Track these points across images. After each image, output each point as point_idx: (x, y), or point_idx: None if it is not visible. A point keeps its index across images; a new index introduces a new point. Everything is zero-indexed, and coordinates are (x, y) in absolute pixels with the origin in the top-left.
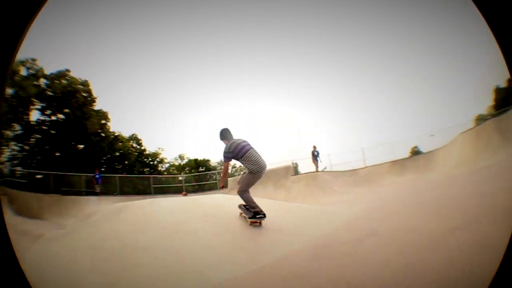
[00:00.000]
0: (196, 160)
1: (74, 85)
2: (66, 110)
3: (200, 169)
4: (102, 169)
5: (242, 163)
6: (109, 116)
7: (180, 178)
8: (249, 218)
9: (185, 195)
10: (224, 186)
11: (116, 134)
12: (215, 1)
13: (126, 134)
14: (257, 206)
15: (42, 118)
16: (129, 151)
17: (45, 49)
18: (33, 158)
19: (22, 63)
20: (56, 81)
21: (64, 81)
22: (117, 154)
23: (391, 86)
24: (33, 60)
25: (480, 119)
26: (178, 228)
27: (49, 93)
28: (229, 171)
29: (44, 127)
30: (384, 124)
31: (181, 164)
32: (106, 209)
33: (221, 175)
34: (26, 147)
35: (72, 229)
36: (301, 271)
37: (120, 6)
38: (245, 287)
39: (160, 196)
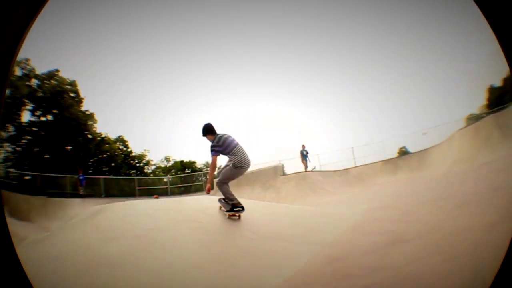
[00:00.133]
0: (182, 162)
1: (62, 85)
2: (55, 111)
3: (186, 171)
4: (90, 171)
5: (229, 158)
6: (110, 117)
7: (165, 180)
8: (227, 211)
9: (157, 198)
10: (211, 188)
11: (103, 135)
12: (215, 1)
13: (126, 134)
14: (235, 199)
15: (33, 119)
16: (116, 153)
17: (45, 49)
18: (24, 159)
19: (18, 63)
20: (46, 82)
21: (53, 82)
22: (104, 156)
23: (391, 86)
24: (27, 60)
25: (471, 119)
26: (156, 236)
27: (40, 93)
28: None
29: (35, 128)
30: (384, 124)
31: (167, 166)
32: (83, 213)
33: (209, 172)
34: (18, 149)
35: (51, 233)
36: None
37: (120, 6)
38: None
39: (142, 198)
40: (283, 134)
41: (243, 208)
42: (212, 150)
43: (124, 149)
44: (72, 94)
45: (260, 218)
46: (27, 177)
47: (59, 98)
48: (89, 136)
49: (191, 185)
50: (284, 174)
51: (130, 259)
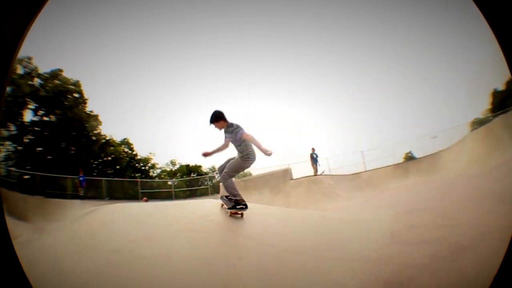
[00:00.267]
0: (188, 166)
1: (66, 85)
2: (58, 111)
3: (192, 175)
4: (94, 173)
5: (237, 148)
6: (110, 117)
7: (170, 183)
8: (229, 208)
9: (146, 201)
10: (208, 155)
11: (108, 138)
12: (215, 1)
13: (125, 134)
14: (239, 195)
15: (35, 119)
16: (121, 156)
17: (45, 49)
18: (27, 159)
19: (19, 61)
20: (49, 81)
21: (56, 81)
22: (109, 158)
23: (391, 86)
24: (29, 58)
25: (476, 123)
26: (140, 251)
27: (42, 93)
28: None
29: (37, 128)
30: (384, 124)
31: (173, 169)
32: (72, 216)
33: (217, 148)
34: (19, 148)
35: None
36: None
37: (120, 6)
38: None
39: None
40: (283, 134)
41: (246, 206)
42: (227, 132)
43: (129, 152)
44: (76, 95)
45: (275, 226)
46: (26, 176)
47: (62, 98)
48: (93, 138)
49: (196, 189)
50: (291, 178)
51: (106, 278)
